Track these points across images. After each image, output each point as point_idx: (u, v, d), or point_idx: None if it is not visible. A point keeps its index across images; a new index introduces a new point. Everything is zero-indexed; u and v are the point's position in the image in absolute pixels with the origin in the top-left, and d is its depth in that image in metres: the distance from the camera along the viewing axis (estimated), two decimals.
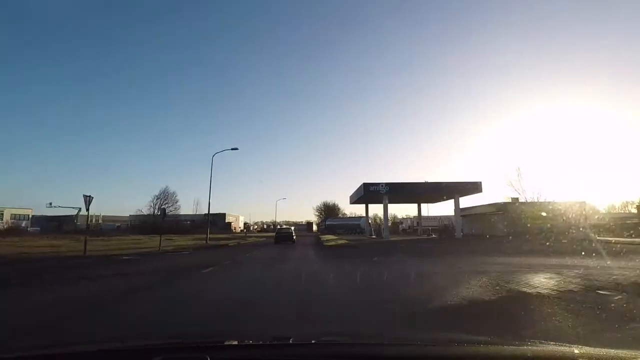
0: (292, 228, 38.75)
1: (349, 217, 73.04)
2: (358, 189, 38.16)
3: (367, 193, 34.87)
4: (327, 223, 77.50)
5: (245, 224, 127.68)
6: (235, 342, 1.74)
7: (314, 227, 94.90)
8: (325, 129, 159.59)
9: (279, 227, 56.90)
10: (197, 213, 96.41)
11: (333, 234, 59.11)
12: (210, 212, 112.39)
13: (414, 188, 35.26)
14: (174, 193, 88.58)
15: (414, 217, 77.42)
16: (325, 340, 1.83)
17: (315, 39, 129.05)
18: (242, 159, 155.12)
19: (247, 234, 58.06)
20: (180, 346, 1.63)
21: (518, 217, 35.24)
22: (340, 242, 27.14)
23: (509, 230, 34.31)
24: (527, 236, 22.56)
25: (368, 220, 49.27)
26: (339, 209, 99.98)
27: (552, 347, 1.54)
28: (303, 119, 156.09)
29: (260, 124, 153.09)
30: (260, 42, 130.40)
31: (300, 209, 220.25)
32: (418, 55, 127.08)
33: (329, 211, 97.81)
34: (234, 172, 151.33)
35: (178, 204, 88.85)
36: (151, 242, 28.55)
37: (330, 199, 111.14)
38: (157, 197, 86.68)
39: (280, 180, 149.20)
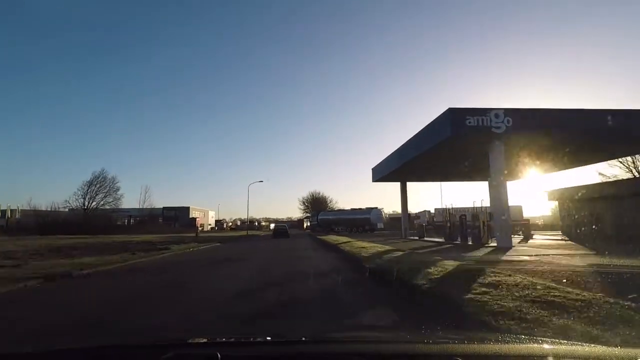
0: (286, 225, 41.83)
1: (352, 210, 51.59)
2: (429, 128, 16.33)
3: (459, 132, 13.77)
4: (320, 217, 56.00)
5: (218, 221, 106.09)
6: (246, 339, 1.68)
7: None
8: (311, 112, 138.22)
9: (276, 224, 53.77)
10: (146, 207, 73.05)
11: (329, 231, 45.63)
12: (171, 206, 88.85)
13: (587, 121, 14.06)
14: (113, 179, 64.25)
15: (435, 210, 57.06)
16: (336, 338, 1.78)
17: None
18: (212, 147, 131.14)
19: (199, 234, 35.74)
20: (190, 342, 1.58)
21: None
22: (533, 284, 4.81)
23: None
24: None
25: (406, 213, 27.67)
26: (327, 202, 79.68)
27: (556, 345, 1.49)
28: (284, 101, 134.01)
29: (234, 108, 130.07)
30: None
31: (281, 206, 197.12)
32: None
33: (317, 204, 76.55)
34: (205, 161, 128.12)
35: (119, 193, 64.46)
36: None
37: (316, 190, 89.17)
38: (90, 184, 63.19)
39: (260, 173, 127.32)
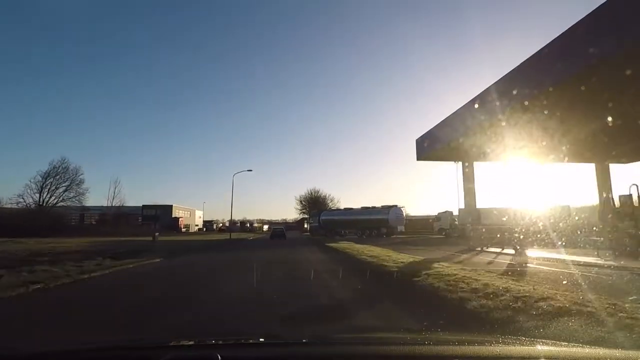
0: (284, 228, 43.70)
1: (364, 209, 41.20)
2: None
3: None
4: (322, 218, 45.71)
5: (207, 221, 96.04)
6: (246, 340, 1.66)
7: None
8: (310, 110, 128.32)
9: (273, 226, 53.02)
10: (115, 204, 61.99)
11: (334, 235, 39.56)
12: (151, 204, 77.13)
13: None
14: (75, 170, 53.51)
15: (460, 210, 46.70)
16: (336, 340, 1.74)
17: None
18: (207, 145, 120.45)
19: (157, 239, 25.60)
20: (190, 344, 1.55)
21: None
22: None
23: None
24: None
25: (476, 212, 17.30)
26: (328, 200, 70.25)
27: (557, 347, 1.48)
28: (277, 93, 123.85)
29: (231, 104, 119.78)
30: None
31: (277, 207, 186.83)
32: None
33: (316, 204, 67.58)
34: (199, 160, 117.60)
35: (84, 187, 53.63)
36: None
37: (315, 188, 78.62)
38: (47, 176, 52.64)
39: (257, 172, 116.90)
